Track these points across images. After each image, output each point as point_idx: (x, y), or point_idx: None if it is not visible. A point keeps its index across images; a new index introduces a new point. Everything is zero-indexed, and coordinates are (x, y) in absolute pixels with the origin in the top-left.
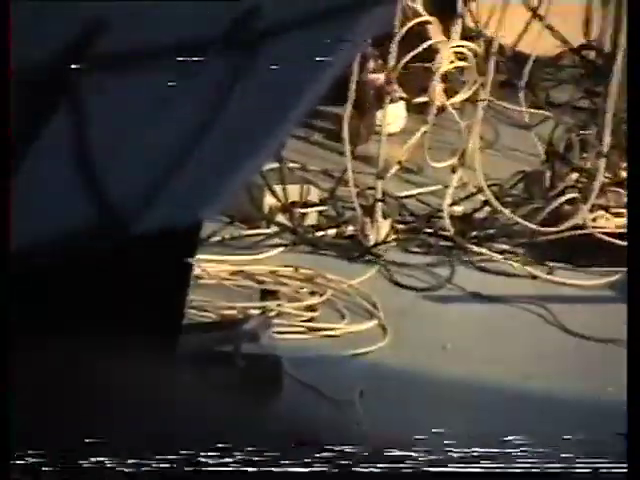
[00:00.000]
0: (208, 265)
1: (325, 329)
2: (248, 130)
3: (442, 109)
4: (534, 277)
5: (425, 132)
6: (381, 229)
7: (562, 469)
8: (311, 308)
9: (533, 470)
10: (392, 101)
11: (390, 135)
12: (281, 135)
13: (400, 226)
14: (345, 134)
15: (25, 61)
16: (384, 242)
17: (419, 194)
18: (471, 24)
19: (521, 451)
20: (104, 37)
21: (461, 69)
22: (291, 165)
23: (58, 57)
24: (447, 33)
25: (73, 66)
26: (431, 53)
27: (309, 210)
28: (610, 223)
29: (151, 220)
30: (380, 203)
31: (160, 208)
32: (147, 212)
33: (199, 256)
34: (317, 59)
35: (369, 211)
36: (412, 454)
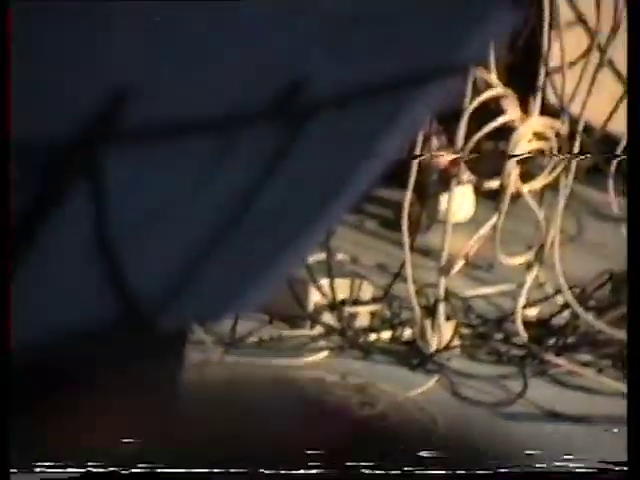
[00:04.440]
0: (241, 366)
1: None
2: (290, 215)
3: (517, 196)
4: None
5: (496, 222)
6: (443, 333)
7: None
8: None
9: None
10: (459, 185)
11: (456, 224)
12: (329, 222)
13: (466, 331)
14: (404, 222)
15: (43, 135)
16: (447, 348)
17: (488, 294)
18: (553, 99)
19: None
20: (131, 107)
21: (540, 151)
22: (340, 257)
23: (81, 130)
24: (525, 108)
25: (97, 140)
26: (505, 131)
27: (360, 309)
28: None
29: (177, 313)
30: (443, 303)
31: (189, 301)
32: (174, 304)
33: (234, 358)
34: (373, 134)
35: (430, 312)
36: None
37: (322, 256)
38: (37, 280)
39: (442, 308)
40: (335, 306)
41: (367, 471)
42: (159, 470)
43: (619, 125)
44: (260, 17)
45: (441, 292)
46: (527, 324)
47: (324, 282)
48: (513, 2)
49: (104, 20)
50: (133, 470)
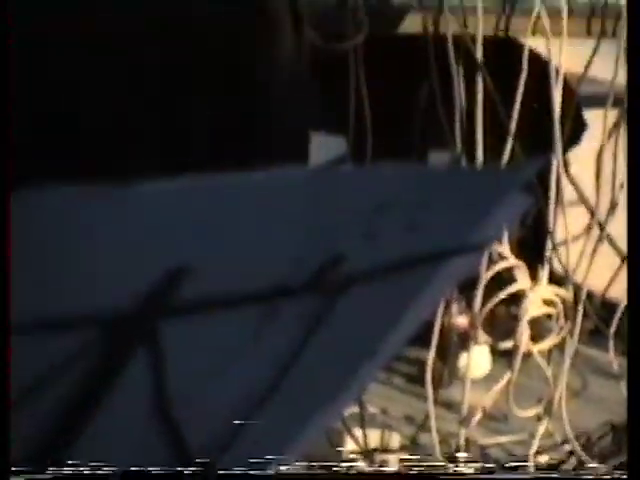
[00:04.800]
0: None
1: None
2: (329, 375)
3: (528, 355)
4: None
5: (510, 378)
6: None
7: None
8: None
9: None
10: (476, 346)
11: (474, 380)
12: (364, 381)
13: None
14: (427, 379)
15: (105, 311)
16: None
17: (503, 442)
18: (559, 269)
19: None
20: (183, 283)
21: (548, 315)
22: (372, 409)
23: (139, 305)
24: (534, 277)
25: (152, 314)
26: (517, 297)
27: (390, 456)
28: None
29: (227, 464)
30: (463, 451)
31: (237, 453)
32: (224, 456)
33: None
34: (402, 305)
35: (451, 460)
36: None
37: (356, 409)
38: (93, 436)
39: (462, 456)
40: (367, 454)
41: None
42: None
43: (617, 292)
44: (301, 199)
45: (461, 441)
46: (538, 470)
47: (358, 432)
48: (525, 187)
49: (152, 201)
50: None
